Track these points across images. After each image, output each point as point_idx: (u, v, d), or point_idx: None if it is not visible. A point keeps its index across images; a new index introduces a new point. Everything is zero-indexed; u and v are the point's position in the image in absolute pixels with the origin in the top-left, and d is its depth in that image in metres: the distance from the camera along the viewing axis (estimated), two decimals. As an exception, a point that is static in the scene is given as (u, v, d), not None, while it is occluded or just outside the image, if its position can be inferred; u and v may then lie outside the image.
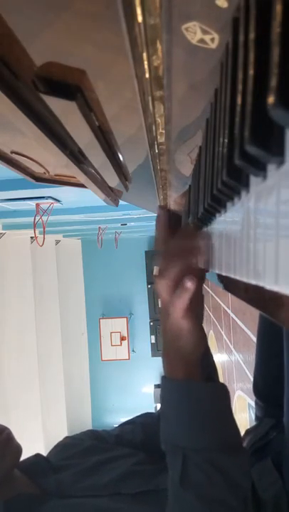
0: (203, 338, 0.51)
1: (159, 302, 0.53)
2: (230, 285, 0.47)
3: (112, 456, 0.70)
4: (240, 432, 0.50)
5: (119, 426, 0.87)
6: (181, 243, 0.51)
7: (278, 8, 0.16)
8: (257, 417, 0.89)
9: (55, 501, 0.60)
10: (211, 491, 0.44)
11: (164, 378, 0.52)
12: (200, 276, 0.47)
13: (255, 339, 1.77)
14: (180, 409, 0.49)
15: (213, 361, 0.66)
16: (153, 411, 0.98)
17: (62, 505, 0.60)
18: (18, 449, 0.66)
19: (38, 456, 0.72)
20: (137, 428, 0.82)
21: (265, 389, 0.89)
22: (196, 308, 0.49)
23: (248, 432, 0.85)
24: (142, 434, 0.80)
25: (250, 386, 0.98)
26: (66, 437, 0.81)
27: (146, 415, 0.88)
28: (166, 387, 0.51)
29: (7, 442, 0.64)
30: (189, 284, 0.46)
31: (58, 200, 2.05)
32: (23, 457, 0.69)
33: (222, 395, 0.50)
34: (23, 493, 0.62)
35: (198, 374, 0.51)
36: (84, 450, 0.73)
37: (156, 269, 0.52)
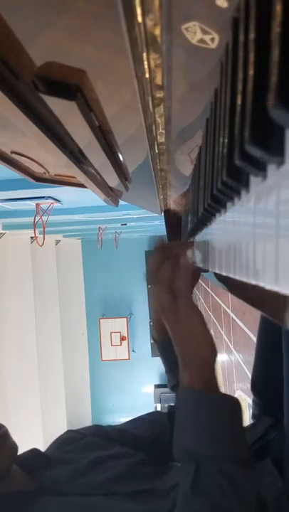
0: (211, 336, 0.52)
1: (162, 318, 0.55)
2: (230, 285, 0.47)
3: (111, 455, 0.70)
4: (250, 449, 0.50)
5: (127, 422, 0.86)
6: (171, 246, 0.57)
7: (278, 8, 0.16)
8: (254, 416, 0.89)
9: (48, 498, 0.61)
10: (220, 501, 0.44)
11: (181, 389, 0.52)
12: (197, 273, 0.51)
13: (255, 339, 1.77)
14: (198, 419, 0.49)
15: None
16: (154, 411, 0.98)
17: (55, 502, 0.60)
18: (14, 447, 0.67)
19: (34, 450, 0.73)
20: (144, 425, 0.82)
21: (263, 387, 0.88)
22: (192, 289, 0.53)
23: (245, 429, 0.85)
24: (148, 432, 0.80)
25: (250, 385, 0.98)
26: (68, 431, 0.81)
27: (156, 413, 0.87)
28: (185, 397, 0.51)
29: (3, 440, 0.65)
30: (184, 259, 0.51)
31: (58, 200, 2.05)
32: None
33: (238, 409, 0.51)
34: (17, 491, 0.63)
35: (216, 383, 0.51)
36: (83, 446, 0.73)
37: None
